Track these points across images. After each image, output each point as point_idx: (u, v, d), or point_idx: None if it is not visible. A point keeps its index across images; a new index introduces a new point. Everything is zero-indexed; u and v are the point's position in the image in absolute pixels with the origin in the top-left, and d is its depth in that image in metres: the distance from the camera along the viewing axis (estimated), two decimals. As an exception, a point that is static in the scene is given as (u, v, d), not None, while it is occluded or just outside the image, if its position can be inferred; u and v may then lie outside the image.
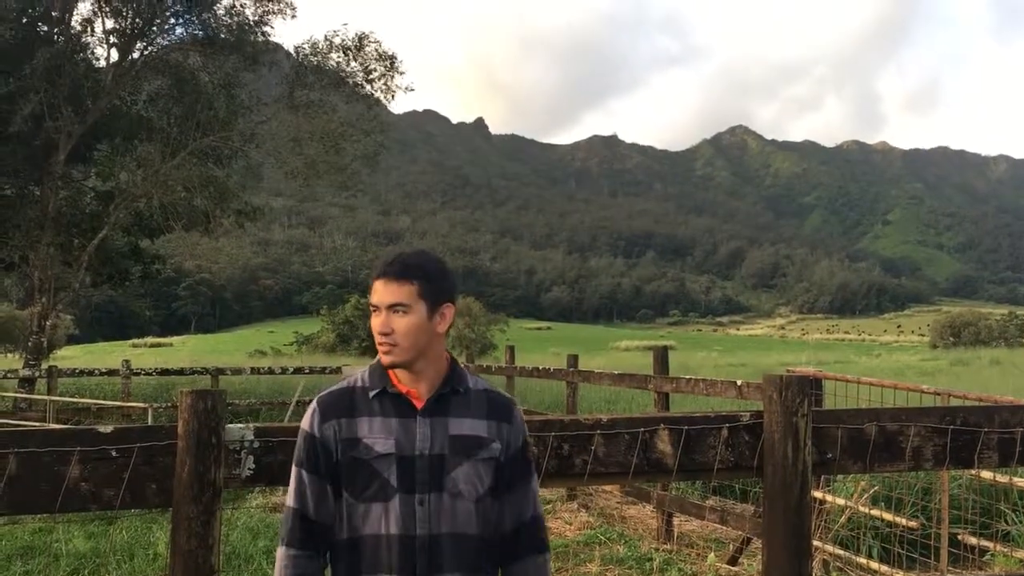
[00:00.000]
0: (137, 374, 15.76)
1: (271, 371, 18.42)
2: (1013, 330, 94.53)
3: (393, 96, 21.40)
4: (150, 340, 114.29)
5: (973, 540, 5.96)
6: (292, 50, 21.48)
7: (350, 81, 21.12)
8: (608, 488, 9.28)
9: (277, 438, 2.62)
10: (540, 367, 11.91)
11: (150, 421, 10.81)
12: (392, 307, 2.08)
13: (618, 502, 9.47)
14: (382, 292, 2.09)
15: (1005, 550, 5.89)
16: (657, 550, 7.21)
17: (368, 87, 21.24)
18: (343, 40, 20.89)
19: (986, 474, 5.80)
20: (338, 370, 15.63)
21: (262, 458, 2.61)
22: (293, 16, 20.55)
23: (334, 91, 21.18)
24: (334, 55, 20.95)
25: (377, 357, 2.14)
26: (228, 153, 21.21)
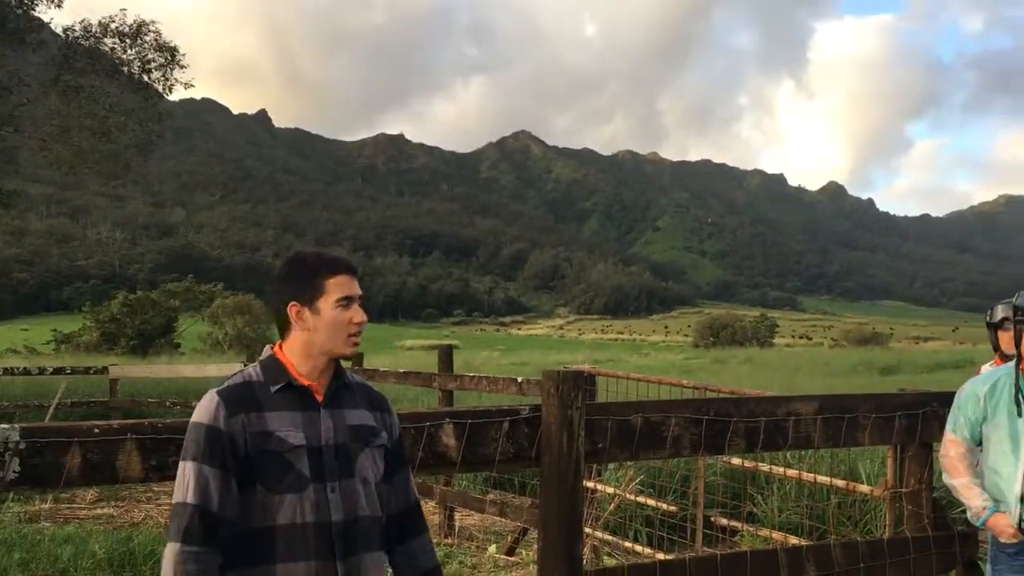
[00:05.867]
0: None
1: (27, 372, 16.91)
2: (764, 331, 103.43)
3: (171, 89, 20.35)
4: None
5: (724, 521, 6.55)
6: (61, 32, 19.84)
7: (126, 69, 19.84)
8: (391, 486, 9.33)
9: (47, 439, 2.50)
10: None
11: None
12: (359, 298, 2.25)
13: (401, 499, 9.53)
14: (353, 284, 2.24)
15: (751, 529, 6.51)
16: (438, 544, 7.34)
17: (145, 77, 20.06)
18: (119, 26, 19.58)
19: (736, 460, 6.38)
20: (104, 370, 14.59)
21: (29, 460, 2.48)
22: (59, 5, 19.03)
23: (107, 78, 19.81)
24: (109, 40, 19.59)
25: (268, 353, 2.23)
26: (-20, 134, 19.29)
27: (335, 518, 2.11)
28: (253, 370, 2.19)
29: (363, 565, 2.17)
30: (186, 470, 2.06)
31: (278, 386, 2.14)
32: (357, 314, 2.22)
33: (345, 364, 2.33)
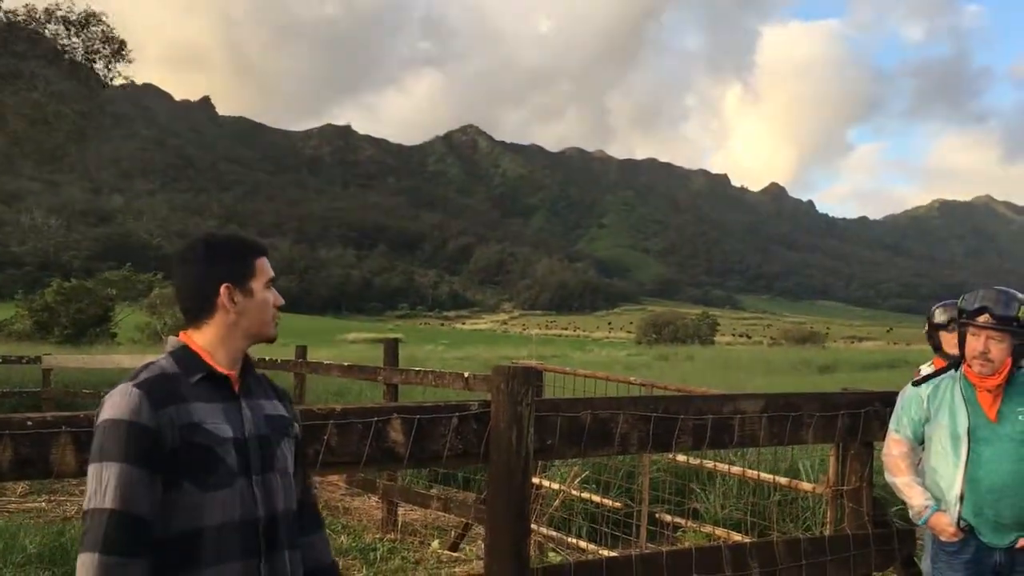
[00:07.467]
0: None
1: (-48, 361, 16.34)
2: (705, 329, 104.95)
3: (113, 80, 19.97)
4: None
5: (668, 518, 6.59)
6: (2, 15, 19.22)
7: (68, 56, 19.34)
8: (333, 480, 9.22)
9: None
10: (266, 358, 11.55)
11: None
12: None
13: (343, 494, 9.44)
14: (270, 267, 2.17)
15: (694, 526, 6.57)
16: (381, 540, 7.28)
17: (89, 66, 19.62)
18: (66, 14, 19.08)
19: (681, 457, 6.43)
20: (37, 359, 14.14)
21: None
22: None
23: (47, 64, 19.28)
24: (52, 26, 19.08)
25: (178, 343, 2.09)
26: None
27: (260, 513, 2.03)
28: (165, 361, 2.04)
29: (284, 561, 2.10)
30: (104, 472, 1.87)
31: (196, 377, 2.02)
32: (278, 296, 2.19)
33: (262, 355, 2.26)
